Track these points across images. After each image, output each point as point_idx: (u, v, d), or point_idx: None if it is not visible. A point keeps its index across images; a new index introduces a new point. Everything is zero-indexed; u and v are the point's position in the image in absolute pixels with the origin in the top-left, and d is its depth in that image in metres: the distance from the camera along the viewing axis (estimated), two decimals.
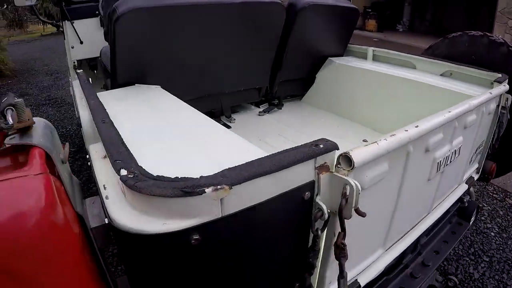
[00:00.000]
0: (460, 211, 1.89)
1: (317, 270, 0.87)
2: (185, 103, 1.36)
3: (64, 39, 2.88)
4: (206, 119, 1.14)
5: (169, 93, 1.53)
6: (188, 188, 0.55)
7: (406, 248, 1.39)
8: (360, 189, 0.70)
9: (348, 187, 0.69)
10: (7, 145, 0.54)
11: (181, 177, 0.58)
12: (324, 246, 0.82)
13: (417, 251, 1.59)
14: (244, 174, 0.60)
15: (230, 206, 0.60)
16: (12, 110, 0.61)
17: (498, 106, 1.69)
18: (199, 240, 0.57)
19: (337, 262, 0.76)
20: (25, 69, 9.33)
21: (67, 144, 0.72)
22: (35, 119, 0.61)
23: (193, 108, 1.27)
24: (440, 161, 1.30)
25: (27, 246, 0.43)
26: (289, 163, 0.66)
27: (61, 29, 2.94)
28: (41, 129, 0.60)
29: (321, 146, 0.71)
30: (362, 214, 0.71)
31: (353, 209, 0.70)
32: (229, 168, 0.61)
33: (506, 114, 1.74)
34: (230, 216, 0.60)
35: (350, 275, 1.06)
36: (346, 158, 0.72)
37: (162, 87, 1.62)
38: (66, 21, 2.71)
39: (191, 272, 0.63)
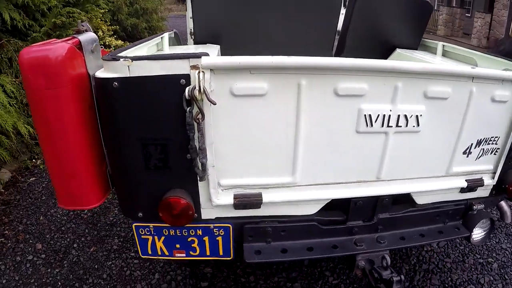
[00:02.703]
0: (467, 217, 1.83)
1: (203, 144, 1.25)
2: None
3: (186, 11, 3.98)
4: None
5: (215, 46, 2.25)
6: (115, 57, 1.16)
7: (349, 209, 1.55)
8: (207, 78, 1.15)
9: (199, 78, 1.14)
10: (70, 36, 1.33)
11: (118, 56, 1.20)
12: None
13: (373, 223, 1.65)
14: (142, 57, 1.18)
15: (133, 72, 1.16)
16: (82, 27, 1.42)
17: None
18: (117, 85, 1.17)
19: (215, 147, 1.28)
20: None
21: (98, 46, 1.45)
22: (89, 33, 1.38)
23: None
24: (370, 115, 1.38)
25: (57, 66, 1.16)
26: (169, 57, 1.17)
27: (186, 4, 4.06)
28: (86, 35, 1.35)
29: (195, 53, 1.17)
30: (211, 101, 1.13)
31: (199, 93, 1.14)
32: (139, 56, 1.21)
33: None
34: (132, 77, 1.17)
35: (253, 181, 1.41)
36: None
37: (225, 48, 2.28)
38: None
39: (114, 103, 1.20)
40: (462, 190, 1.75)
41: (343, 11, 2.62)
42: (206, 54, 1.17)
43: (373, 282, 1.57)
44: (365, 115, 1.38)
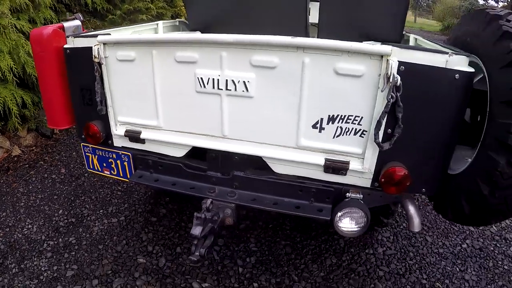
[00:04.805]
0: (338, 203, 1.91)
1: (99, 89, 2.04)
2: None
3: None
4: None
5: (197, 33, 3.07)
6: (68, 36, 2.16)
7: (207, 159, 2.09)
8: (101, 49, 1.95)
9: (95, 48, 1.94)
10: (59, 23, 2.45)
11: (70, 34, 2.19)
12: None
13: (229, 178, 2.08)
14: (78, 35, 2.13)
15: (76, 44, 2.09)
16: (73, 17, 2.56)
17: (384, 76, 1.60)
18: (68, 52, 2.07)
19: (111, 93, 2.12)
20: None
21: (79, 29, 2.38)
22: (75, 21, 2.48)
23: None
24: (202, 78, 1.86)
25: (45, 40, 2.16)
26: (88, 36, 2.05)
27: None
28: (71, 22, 2.46)
29: (98, 34, 1.99)
30: (100, 62, 1.99)
31: (95, 57, 1.95)
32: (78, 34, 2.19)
33: (391, 88, 1.57)
34: (74, 47, 2.08)
35: (136, 121, 2.13)
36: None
37: None
38: None
39: (68, 63, 2.11)
40: (326, 170, 1.88)
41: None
42: (108, 34, 2.06)
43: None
44: (198, 78, 1.88)
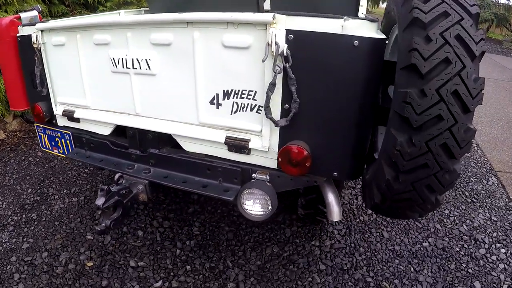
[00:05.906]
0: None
1: (38, 72, 2.34)
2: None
3: None
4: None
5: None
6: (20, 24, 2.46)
7: (127, 137, 2.21)
8: (39, 35, 2.23)
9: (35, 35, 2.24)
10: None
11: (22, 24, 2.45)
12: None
13: (146, 155, 2.19)
14: (25, 24, 2.44)
15: (24, 32, 2.40)
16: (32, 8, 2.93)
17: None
18: (19, 39, 2.41)
19: (50, 76, 2.42)
20: None
21: (35, 19, 2.63)
22: (33, 11, 2.83)
23: None
24: (114, 59, 1.99)
25: (3, 30, 2.47)
26: (31, 24, 2.34)
27: None
28: (28, 13, 2.80)
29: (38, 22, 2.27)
30: (36, 48, 2.28)
31: (34, 43, 2.26)
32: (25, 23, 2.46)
33: (275, 59, 1.52)
34: (23, 35, 2.39)
35: (71, 101, 2.37)
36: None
37: None
38: None
39: (20, 49, 2.45)
40: (230, 149, 1.88)
41: None
42: (46, 22, 2.33)
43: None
44: (111, 58, 2.03)
